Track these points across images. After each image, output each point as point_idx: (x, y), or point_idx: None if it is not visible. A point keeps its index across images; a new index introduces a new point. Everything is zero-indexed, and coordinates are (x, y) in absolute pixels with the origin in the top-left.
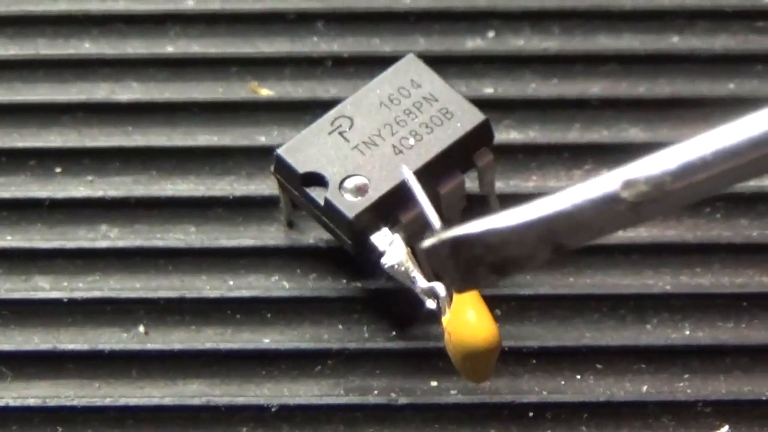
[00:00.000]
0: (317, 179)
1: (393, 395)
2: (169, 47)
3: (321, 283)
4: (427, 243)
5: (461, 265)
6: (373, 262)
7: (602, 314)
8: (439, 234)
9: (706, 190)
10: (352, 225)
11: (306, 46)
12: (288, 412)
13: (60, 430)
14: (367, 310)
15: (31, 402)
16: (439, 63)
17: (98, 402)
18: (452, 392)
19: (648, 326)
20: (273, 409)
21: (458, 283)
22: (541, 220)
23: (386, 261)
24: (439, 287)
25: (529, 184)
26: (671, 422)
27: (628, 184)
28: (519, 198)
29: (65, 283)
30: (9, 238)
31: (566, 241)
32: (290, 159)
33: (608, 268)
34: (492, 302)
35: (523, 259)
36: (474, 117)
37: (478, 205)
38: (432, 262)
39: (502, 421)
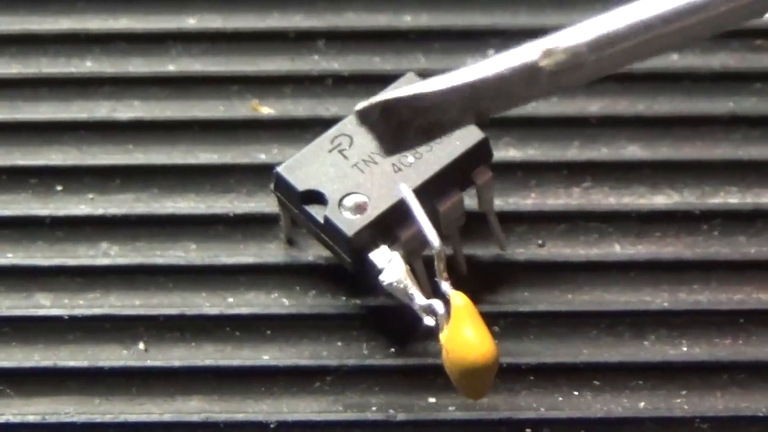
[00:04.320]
0: (317, 197)
1: (391, 411)
2: (170, 66)
3: (320, 300)
4: (359, 106)
5: (391, 128)
6: (372, 279)
7: (600, 331)
8: (370, 98)
9: (620, 62)
10: (351, 242)
11: (306, 65)
12: (287, 429)
13: None
14: (365, 327)
15: (31, 419)
16: None
17: (98, 419)
18: (450, 408)
19: (646, 343)
20: (272, 426)
21: (389, 145)
22: (465, 86)
23: (385, 278)
24: (438, 304)
25: (528, 201)
26: None
27: (546, 54)
28: (518, 216)
29: (66, 301)
30: (10, 255)
31: (488, 107)
32: (290, 177)
33: (606, 285)
34: (490, 319)
35: (448, 123)
36: (473, 135)
37: (477, 222)
38: (365, 125)
39: None
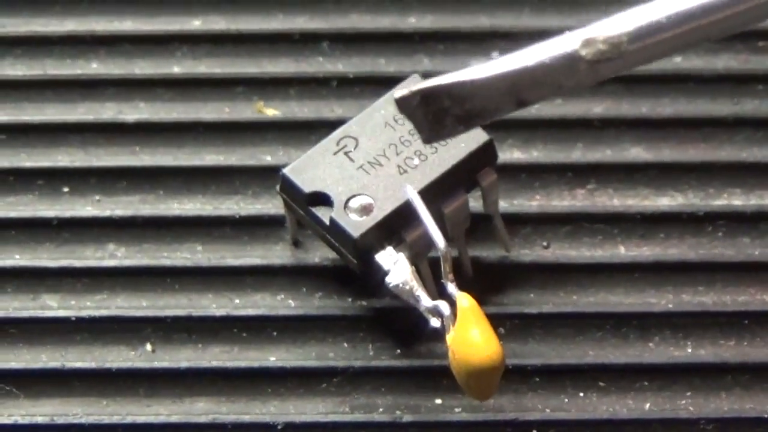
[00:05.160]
0: (323, 199)
1: (398, 413)
2: (176, 67)
3: (326, 301)
4: (399, 93)
5: (430, 116)
6: (377, 280)
7: (605, 332)
8: (410, 86)
9: (660, 52)
10: (357, 244)
11: (311, 66)
12: (294, 430)
13: None
14: (372, 328)
15: (39, 420)
16: None
17: (106, 420)
18: (456, 410)
19: (650, 344)
20: (279, 427)
21: (426, 133)
22: (506, 74)
23: (391, 280)
24: (444, 306)
25: (533, 203)
26: None
27: (587, 44)
28: (523, 217)
29: (73, 302)
30: (17, 257)
31: (528, 95)
32: (296, 179)
33: (611, 287)
34: (496, 320)
35: (487, 111)
36: (478, 137)
37: (482, 224)
38: (403, 112)
39: None
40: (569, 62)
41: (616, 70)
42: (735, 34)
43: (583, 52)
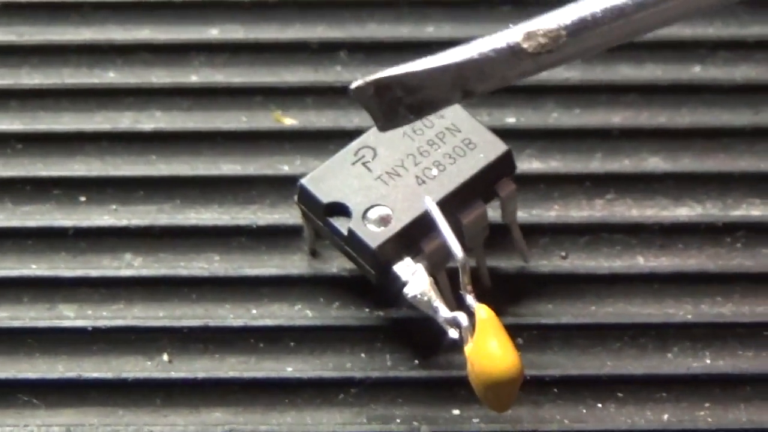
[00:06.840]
0: (341, 209)
1: (415, 424)
2: (193, 76)
3: (344, 312)
4: (354, 84)
5: (384, 106)
6: (395, 291)
7: (623, 343)
8: (365, 77)
9: (598, 44)
10: (376, 255)
11: (329, 76)
12: None
13: None
14: (389, 339)
15: (56, 430)
16: None
17: (122, 430)
18: (474, 421)
19: (669, 355)
20: None
21: (382, 122)
22: (452, 65)
23: (409, 291)
24: (462, 317)
25: (551, 213)
26: None
27: (528, 37)
28: (541, 228)
29: (89, 312)
30: (34, 266)
31: (474, 86)
32: (314, 189)
33: (630, 298)
34: (514, 331)
35: (437, 101)
36: (496, 147)
37: (499, 234)
38: (360, 102)
39: None
40: (511, 54)
41: (558, 61)
42: (672, 23)
43: (525, 45)
